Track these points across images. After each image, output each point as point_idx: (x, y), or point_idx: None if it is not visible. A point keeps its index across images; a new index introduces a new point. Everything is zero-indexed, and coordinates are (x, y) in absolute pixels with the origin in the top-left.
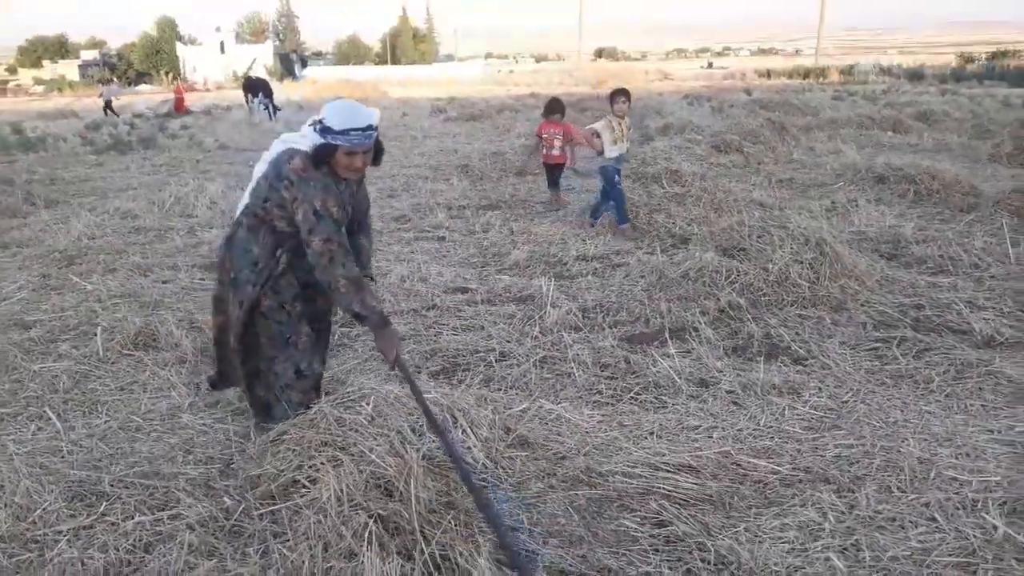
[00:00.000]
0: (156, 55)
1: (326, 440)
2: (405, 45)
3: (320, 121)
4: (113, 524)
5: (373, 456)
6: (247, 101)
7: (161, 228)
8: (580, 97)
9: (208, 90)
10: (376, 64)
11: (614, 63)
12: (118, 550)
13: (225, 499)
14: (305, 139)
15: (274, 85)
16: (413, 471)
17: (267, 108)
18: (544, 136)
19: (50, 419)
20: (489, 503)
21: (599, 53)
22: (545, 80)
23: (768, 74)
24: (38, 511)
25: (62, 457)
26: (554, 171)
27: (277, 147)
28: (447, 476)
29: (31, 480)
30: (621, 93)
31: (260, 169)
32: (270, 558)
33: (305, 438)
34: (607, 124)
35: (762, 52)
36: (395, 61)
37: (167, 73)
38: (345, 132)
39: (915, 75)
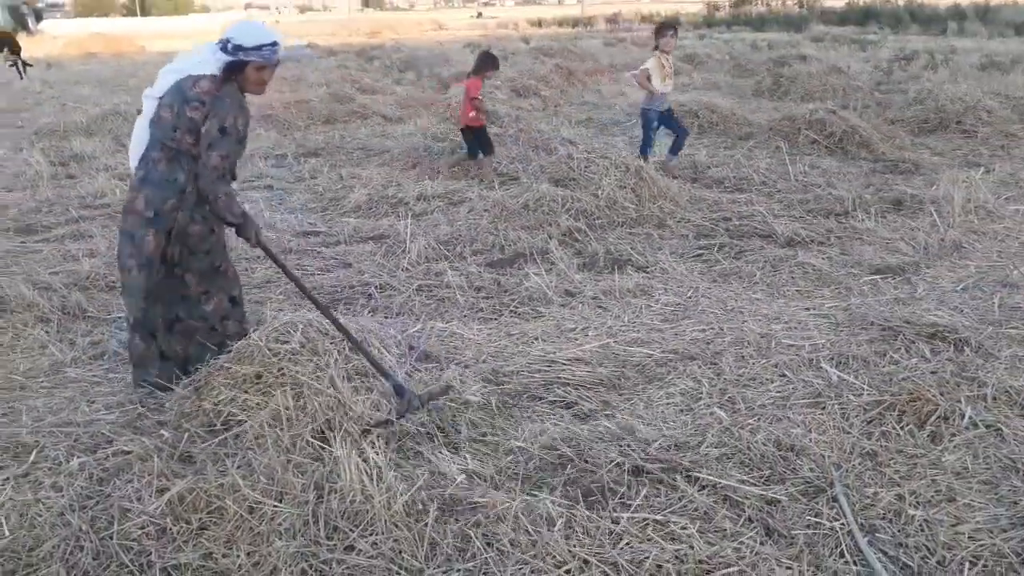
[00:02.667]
0: None
1: (260, 373)
2: None
3: (228, 41)
4: (51, 468)
5: (305, 379)
6: None
7: None
8: (360, 48)
9: None
10: (124, 16)
11: (382, 12)
12: (72, 488)
13: (163, 432)
14: (206, 64)
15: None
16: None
17: (15, 65)
18: (480, 97)
19: None
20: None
21: (366, 3)
22: (318, 30)
23: (540, 23)
24: None
25: None
26: (484, 135)
27: (169, 78)
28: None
29: None
30: (670, 27)
31: (150, 106)
32: (246, 468)
33: (240, 372)
34: (657, 62)
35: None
36: (145, 13)
37: None
38: (259, 48)
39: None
